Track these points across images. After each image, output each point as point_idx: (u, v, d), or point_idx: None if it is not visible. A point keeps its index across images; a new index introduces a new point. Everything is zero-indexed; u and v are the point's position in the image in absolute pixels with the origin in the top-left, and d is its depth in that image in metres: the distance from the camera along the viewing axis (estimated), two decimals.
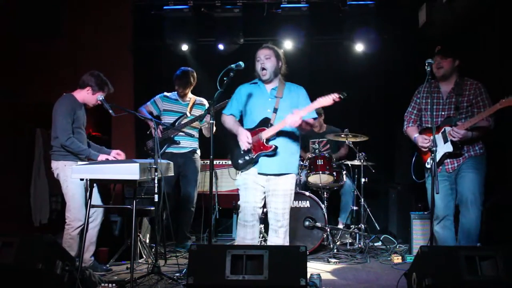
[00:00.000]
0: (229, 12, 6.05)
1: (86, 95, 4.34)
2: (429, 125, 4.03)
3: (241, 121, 3.99)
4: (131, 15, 6.60)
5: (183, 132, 5.15)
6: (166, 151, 5.23)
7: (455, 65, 4.02)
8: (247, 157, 3.81)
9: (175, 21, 6.12)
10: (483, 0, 4.94)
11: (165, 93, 5.46)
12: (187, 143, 5.35)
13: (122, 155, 4.33)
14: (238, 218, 3.91)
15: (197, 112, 5.38)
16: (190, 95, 5.47)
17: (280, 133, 3.79)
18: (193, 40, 6.33)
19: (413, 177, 4.11)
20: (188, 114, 5.35)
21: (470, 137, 3.87)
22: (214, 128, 3.70)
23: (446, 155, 3.96)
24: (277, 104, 3.83)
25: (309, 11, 5.98)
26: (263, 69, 3.81)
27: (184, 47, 6.35)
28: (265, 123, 3.80)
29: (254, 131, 3.82)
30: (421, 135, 4.08)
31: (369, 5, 5.89)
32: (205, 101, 5.50)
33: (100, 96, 4.30)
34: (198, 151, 5.45)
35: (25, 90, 6.35)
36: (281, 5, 5.99)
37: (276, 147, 3.75)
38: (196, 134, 5.43)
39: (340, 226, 5.71)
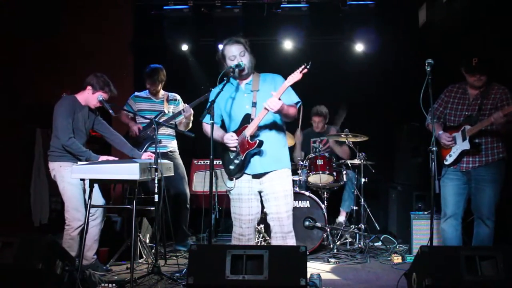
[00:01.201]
0: (229, 12, 6.05)
1: (87, 95, 4.34)
2: (452, 124, 4.14)
3: (224, 128, 3.77)
4: (131, 15, 6.60)
5: (181, 132, 5.01)
6: (148, 150, 5.13)
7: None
8: (236, 161, 3.59)
9: (175, 21, 6.12)
10: (483, 0, 4.94)
11: (136, 93, 5.38)
12: (167, 142, 5.26)
13: (152, 158, 4.21)
14: (232, 231, 3.72)
15: (172, 108, 5.34)
16: (161, 91, 5.37)
17: (263, 127, 3.58)
18: (193, 40, 6.34)
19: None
20: (166, 112, 5.26)
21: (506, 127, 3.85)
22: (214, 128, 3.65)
23: (464, 153, 4.01)
24: (255, 98, 3.60)
25: (309, 11, 5.98)
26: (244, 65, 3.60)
27: (184, 47, 6.36)
28: (247, 119, 3.58)
29: (238, 131, 3.60)
30: (445, 132, 4.14)
31: (369, 5, 5.90)
32: (178, 96, 5.43)
33: (100, 96, 4.29)
34: (177, 149, 5.39)
35: (25, 90, 6.35)
36: (281, 5, 5.99)
37: (260, 142, 3.50)
38: (173, 132, 5.34)
39: (343, 217, 5.70)
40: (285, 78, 3.71)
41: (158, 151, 5.11)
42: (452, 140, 4.06)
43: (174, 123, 5.17)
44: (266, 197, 3.64)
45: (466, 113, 4.07)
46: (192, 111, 5.12)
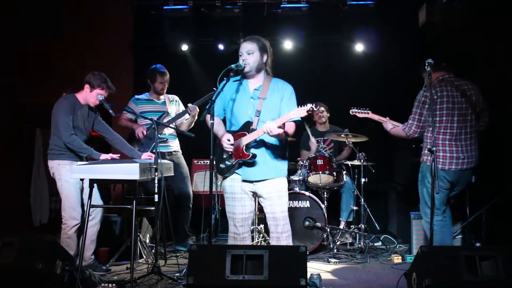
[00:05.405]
0: (229, 12, 6.04)
1: (85, 94, 4.35)
2: None
3: (225, 121, 3.77)
4: (131, 15, 6.60)
5: (181, 131, 4.93)
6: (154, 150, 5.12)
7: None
8: (228, 162, 3.62)
9: (175, 21, 6.12)
10: (483, 0, 4.94)
11: (136, 96, 5.38)
12: (170, 142, 5.27)
13: (152, 158, 4.21)
14: (229, 230, 3.73)
15: (174, 109, 5.34)
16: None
17: (263, 138, 3.57)
18: (193, 40, 6.34)
19: None
20: (170, 112, 5.27)
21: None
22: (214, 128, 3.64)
23: None
24: (260, 106, 3.58)
25: (309, 11, 5.98)
26: (244, 64, 3.61)
27: (184, 47, 6.37)
28: (247, 127, 3.58)
29: (237, 134, 3.61)
30: None
31: (369, 5, 5.89)
32: (176, 97, 5.45)
33: (100, 96, 4.30)
34: (179, 149, 5.39)
35: (25, 90, 6.35)
36: (281, 5, 5.98)
37: (254, 156, 3.52)
38: (175, 132, 5.33)
39: (342, 224, 5.70)
40: (291, 81, 3.75)
41: (161, 150, 5.11)
42: None
43: (175, 124, 5.16)
44: (261, 198, 3.67)
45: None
46: (198, 110, 5.14)
